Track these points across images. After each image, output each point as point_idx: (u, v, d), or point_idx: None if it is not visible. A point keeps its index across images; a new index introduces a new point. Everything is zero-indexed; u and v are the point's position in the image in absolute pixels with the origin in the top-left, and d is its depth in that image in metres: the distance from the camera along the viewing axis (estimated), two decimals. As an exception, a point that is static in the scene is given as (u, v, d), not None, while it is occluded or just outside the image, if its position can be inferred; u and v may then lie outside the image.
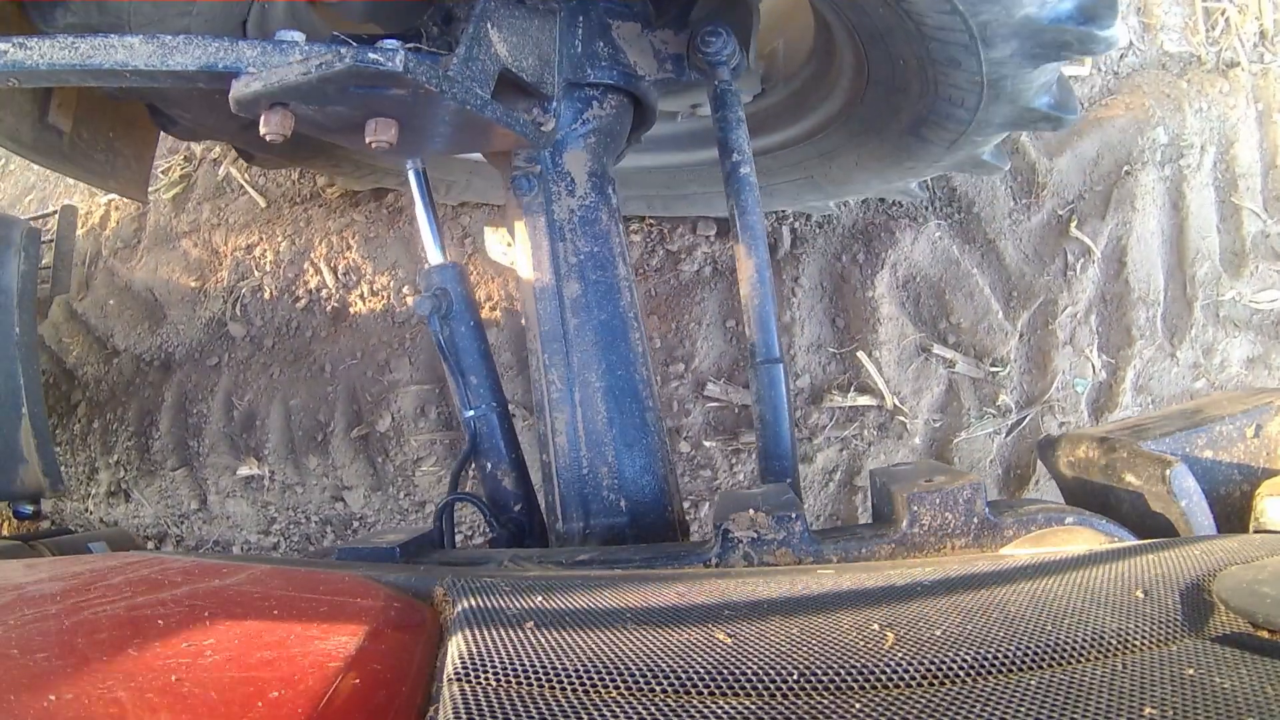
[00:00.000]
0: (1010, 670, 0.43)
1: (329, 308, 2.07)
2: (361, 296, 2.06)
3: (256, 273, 2.14)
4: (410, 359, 1.99)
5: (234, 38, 0.88)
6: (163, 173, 2.31)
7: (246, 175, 2.24)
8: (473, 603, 0.55)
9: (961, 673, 0.43)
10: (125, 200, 2.28)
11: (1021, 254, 2.05)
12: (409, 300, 2.01)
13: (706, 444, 1.93)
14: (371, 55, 0.78)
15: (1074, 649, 0.45)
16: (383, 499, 2.02)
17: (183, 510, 2.15)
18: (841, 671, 0.44)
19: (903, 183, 1.65)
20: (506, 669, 0.45)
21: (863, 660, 0.45)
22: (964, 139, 1.27)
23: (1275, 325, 2.11)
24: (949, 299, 1.99)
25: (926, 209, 2.02)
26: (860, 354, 1.91)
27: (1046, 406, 2.01)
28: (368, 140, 0.87)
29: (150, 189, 2.21)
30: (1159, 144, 2.06)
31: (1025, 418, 1.99)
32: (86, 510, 2.25)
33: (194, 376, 2.14)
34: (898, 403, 1.93)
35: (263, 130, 0.85)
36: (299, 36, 0.86)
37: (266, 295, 2.12)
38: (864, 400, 1.92)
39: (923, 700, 0.41)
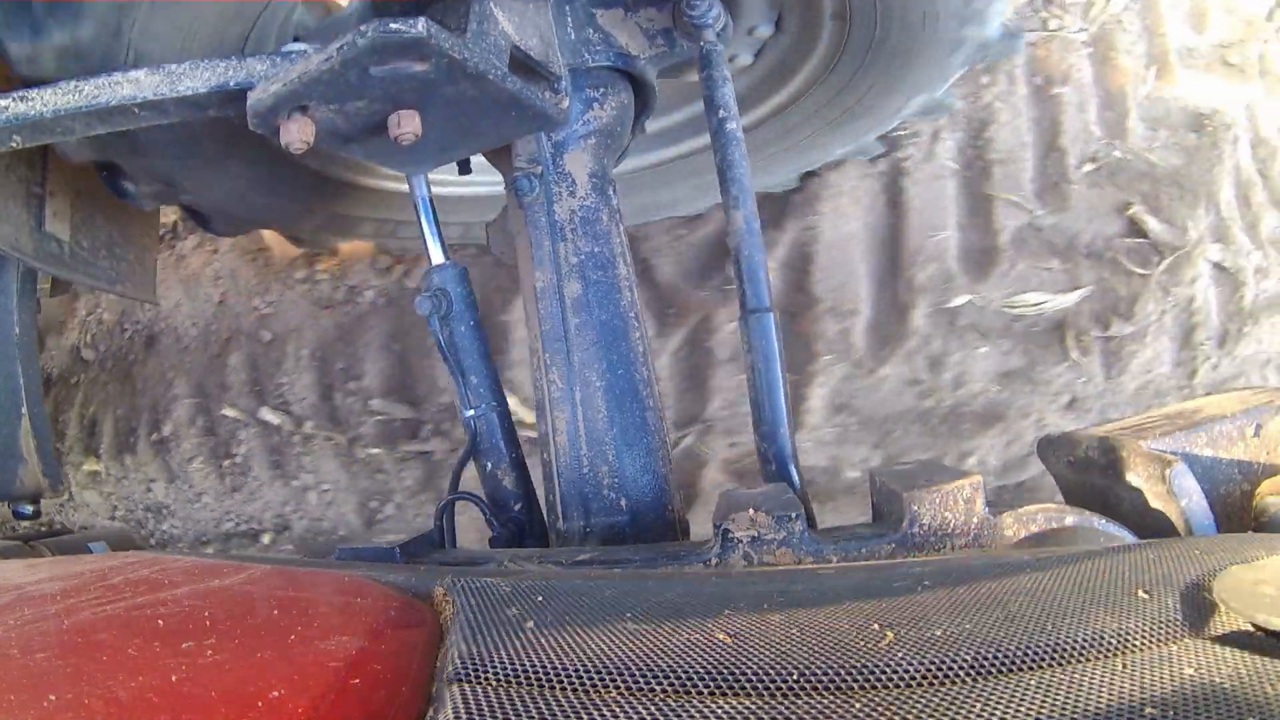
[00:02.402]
0: (1010, 670, 0.43)
1: (143, 337, 2.38)
2: (161, 329, 2.37)
3: (101, 308, 2.46)
4: (188, 377, 2.26)
5: (241, 55, 0.87)
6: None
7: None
8: (473, 603, 0.55)
9: (961, 673, 0.43)
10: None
11: (682, 269, 1.94)
12: (192, 329, 2.30)
13: (374, 450, 2.06)
14: (394, 25, 0.77)
15: (1074, 649, 0.45)
16: (175, 490, 2.28)
17: (59, 500, 2.45)
18: (841, 671, 0.44)
19: (868, 138, 1.71)
20: (507, 669, 0.45)
21: (863, 660, 0.45)
22: (931, 78, 1.35)
23: (1044, 333, 1.90)
24: None
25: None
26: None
27: (707, 426, 1.92)
28: (393, 134, 0.86)
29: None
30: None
31: (685, 436, 1.92)
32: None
33: (61, 392, 2.45)
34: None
35: (284, 140, 0.83)
36: (305, 46, 0.86)
37: (107, 328, 2.45)
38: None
39: (923, 700, 0.41)
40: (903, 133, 1.90)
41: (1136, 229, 1.96)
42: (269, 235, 2.14)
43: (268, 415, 2.08)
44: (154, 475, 2.26)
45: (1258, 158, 2.15)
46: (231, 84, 0.85)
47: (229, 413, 2.12)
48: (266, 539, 2.19)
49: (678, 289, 1.96)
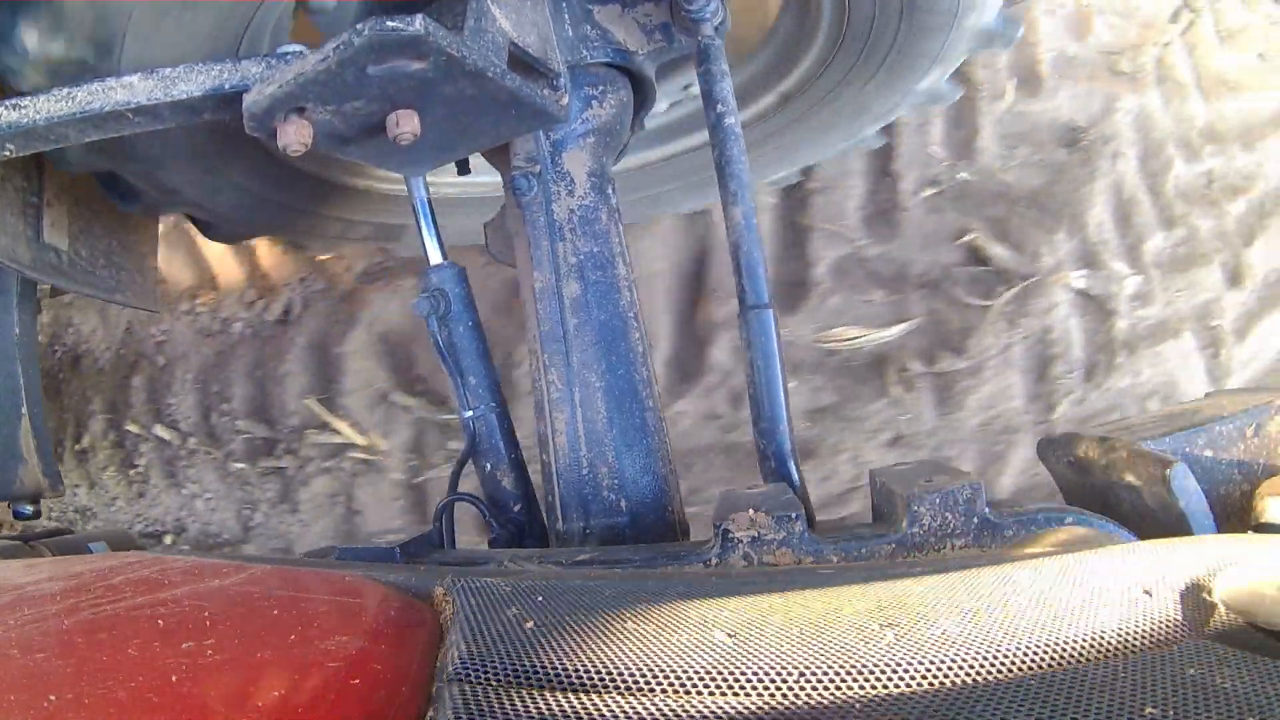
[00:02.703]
0: (1010, 670, 0.43)
1: (70, 357, 2.50)
2: (83, 351, 2.48)
3: (70, 331, 2.57)
4: (102, 395, 2.41)
5: (235, 57, 0.86)
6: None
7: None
8: (473, 603, 0.55)
9: (961, 672, 0.43)
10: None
11: (491, 305, 2.04)
12: (106, 352, 2.41)
13: (241, 465, 2.28)
14: (390, 23, 0.76)
15: (1074, 649, 0.45)
16: (95, 495, 2.43)
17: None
18: (841, 670, 0.44)
19: (870, 130, 1.68)
20: (507, 669, 0.45)
21: (863, 659, 0.45)
22: (933, 66, 1.34)
23: (862, 368, 1.88)
24: (415, 351, 2.12)
25: (403, 270, 2.16)
26: (309, 401, 2.13)
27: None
28: (391, 135, 0.85)
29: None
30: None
31: None
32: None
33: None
34: (372, 441, 2.16)
35: (281, 143, 0.83)
36: (300, 47, 0.85)
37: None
38: (341, 438, 2.10)
39: (923, 700, 0.41)
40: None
41: (978, 257, 1.92)
42: (164, 269, 2.28)
43: (161, 431, 2.30)
44: (78, 481, 2.44)
45: (1148, 172, 2.10)
46: (226, 87, 0.84)
47: (131, 428, 2.33)
48: (168, 539, 2.39)
49: (487, 324, 2.03)
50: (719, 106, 1.07)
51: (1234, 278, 2.12)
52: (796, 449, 0.97)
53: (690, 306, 1.95)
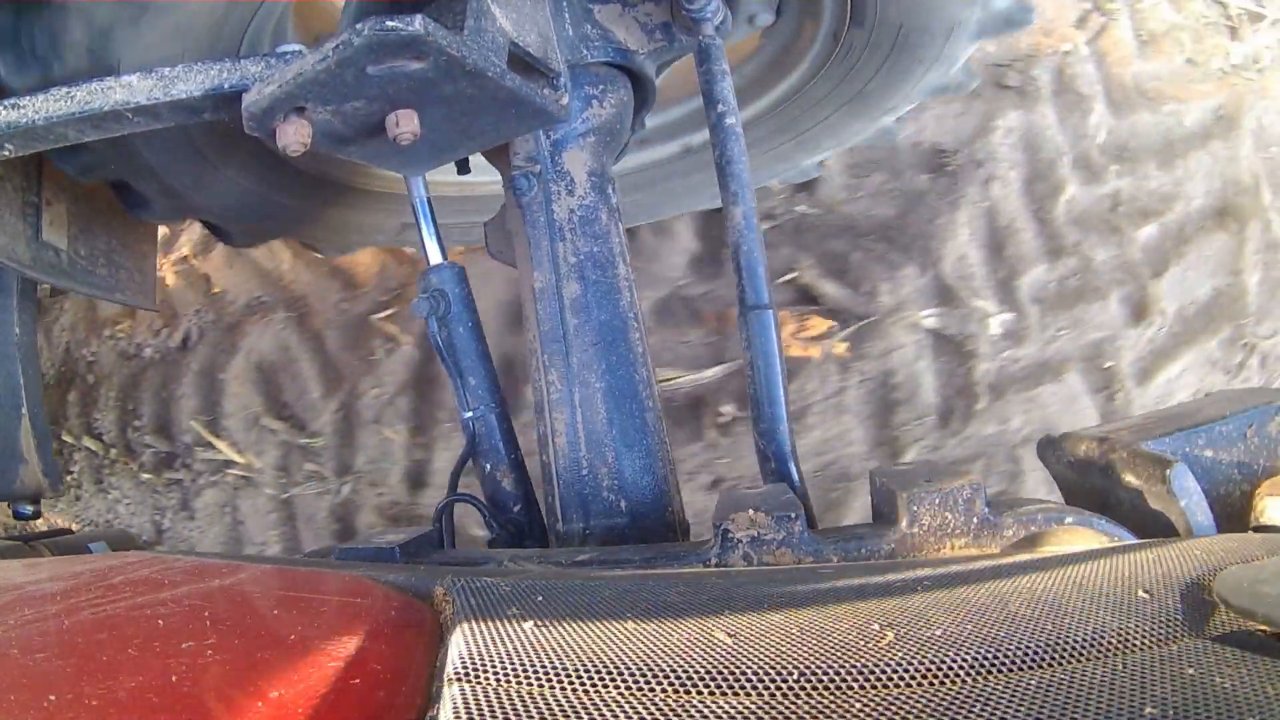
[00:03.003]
0: (1010, 670, 0.43)
1: None
2: None
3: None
4: (46, 407, 2.80)
5: (235, 57, 0.86)
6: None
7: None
8: (473, 602, 0.55)
9: (961, 672, 0.43)
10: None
11: (342, 341, 2.23)
12: (50, 369, 2.52)
13: (149, 476, 2.46)
14: (390, 23, 0.76)
15: (1074, 649, 0.45)
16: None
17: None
18: (841, 671, 0.44)
19: (887, 119, 1.65)
20: (507, 669, 0.45)
21: (863, 659, 0.45)
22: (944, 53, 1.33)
23: (679, 409, 1.91)
24: (283, 380, 2.29)
25: (278, 304, 2.32)
26: (195, 422, 2.34)
27: (359, 476, 2.20)
28: (391, 135, 0.85)
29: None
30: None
31: (345, 485, 2.20)
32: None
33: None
34: (249, 460, 2.32)
35: (280, 143, 0.82)
36: (300, 47, 0.85)
37: None
38: (224, 456, 2.32)
39: (923, 700, 0.41)
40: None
41: (807, 296, 1.85)
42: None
43: (89, 442, 2.46)
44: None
45: (1032, 197, 1.96)
46: (226, 86, 0.83)
47: (67, 438, 2.49)
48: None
49: (340, 355, 2.26)
50: (719, 106, 1.07)
51: (1137, 312, 1.98)
52: (796, 450, 0.98)
53: (515, 344, 1.98)
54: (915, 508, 0.75)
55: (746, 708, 0.41)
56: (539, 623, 0.51)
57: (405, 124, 0.85)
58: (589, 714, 0.41)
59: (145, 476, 2.39)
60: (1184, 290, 2.04)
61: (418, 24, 0.76)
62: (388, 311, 2.13)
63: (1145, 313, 1.99)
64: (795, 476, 0.94)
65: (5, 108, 0.83)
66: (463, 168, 1.30)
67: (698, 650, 0.46)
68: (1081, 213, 2.01)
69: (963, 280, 1.91)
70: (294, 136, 0.82)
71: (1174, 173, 2.07)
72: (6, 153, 0.87)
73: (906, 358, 1.85)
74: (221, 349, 2.34)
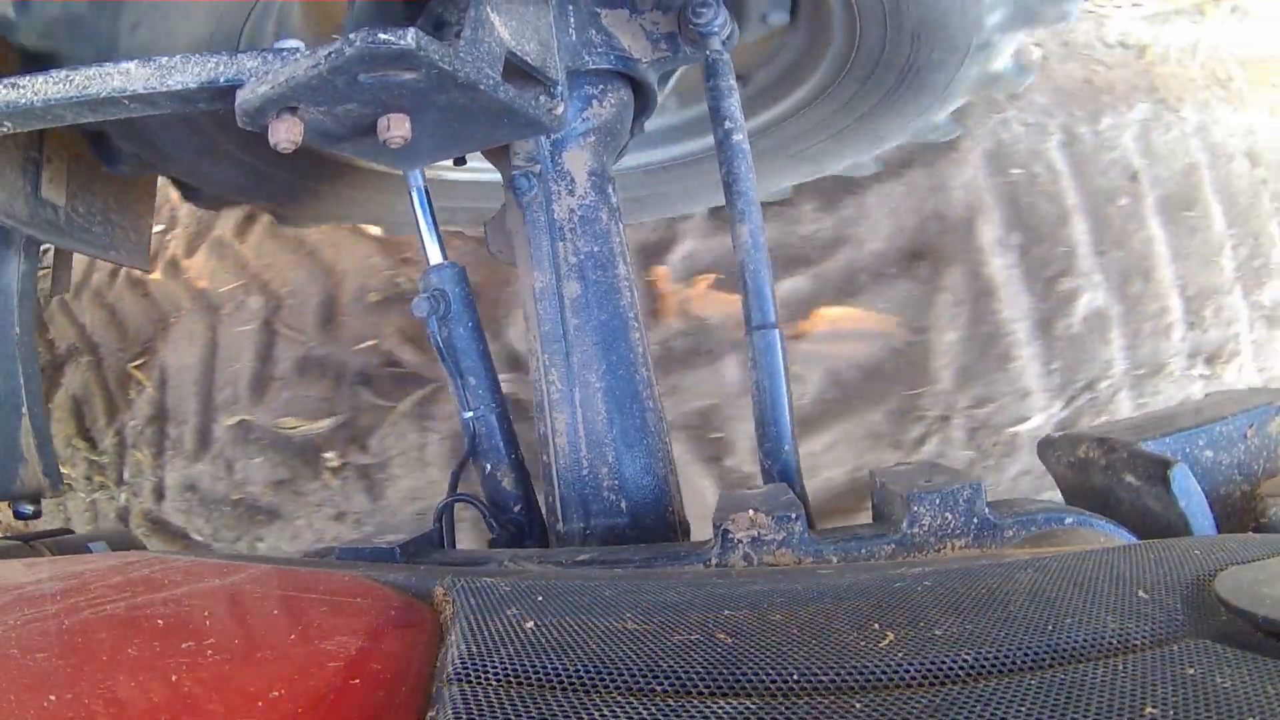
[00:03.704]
0: (1010, 670, 0.43)
1: None
2: None
3: None
4: None
5: (232, 51, 0.86)
6: None
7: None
8: (473, 603, 0.55)
9: (961, 673, 0.43)
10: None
11: (116, 383, 2.63)
12: None
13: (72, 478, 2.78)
14: (382, 36, 0.76)
15: (1074, 649, 0.45)
16: None
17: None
18: (841, 672, 0.44)
19: (939, 114, 1.62)
20: (506, 669, 0.45)
21: (863, 660, 0.45)
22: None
23: (306, 452, 2.28)
24: (84, 409, 2.65)
25: (84, 350, 2.71)
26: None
27: (128, 487, 2.57)
28: (382, 138, 0.85)
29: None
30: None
31: (121, 492, 2.57)
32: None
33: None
34: (68, 470, 2.64)
35: (272, 140, 0.83)
36: (298, 43, 0.85)
37: None
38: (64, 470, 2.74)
39: (923, 700, 0.41)
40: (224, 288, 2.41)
41: (391, 361, 2.18)
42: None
43: None
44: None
45: (644, 252, 2.04)
46: (221, 80, 0.84)
47: None
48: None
49: (117, 392, 2.67)
50: (726, 123, 1.07)
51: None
52: (800, 468, 0.97)
53: (208, 391, 2.49)
54: (915, 508, 0.75)
55: (746, 709, 0.41)
56: (539, 623, 0.51)
57: (396, 128, 0.85)
58: (588, 715, 0.41)
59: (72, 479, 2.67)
60: (830, 351, 1.95)
61: (410, 38, 0.76)
62: (138, 361, 2.58)
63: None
64: (800, 493, 0.94)
65: (5, 87, 0.85)
66: (459, 160, 1.30)
67: (698, 651, 0.46)
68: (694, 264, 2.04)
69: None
70: (286, 134, 0.83)
71: (839, 212, 1.98)
72: (5, 129, 0.88)
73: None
74: (51, 383, 2.80)
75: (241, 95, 0.83)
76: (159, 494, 2.52)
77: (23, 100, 0.85)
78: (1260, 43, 2.09)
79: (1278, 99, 2.07)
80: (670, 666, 0.45)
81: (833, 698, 0.42)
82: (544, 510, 1.14)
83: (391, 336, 2.16)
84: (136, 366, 2.56)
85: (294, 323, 2.31)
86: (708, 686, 0.43)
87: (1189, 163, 1.99)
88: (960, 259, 1.96)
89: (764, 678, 0.44)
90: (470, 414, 1.14)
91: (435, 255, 1.18)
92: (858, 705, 0.41)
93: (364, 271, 2.24)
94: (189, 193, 1.57)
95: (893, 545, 0.76)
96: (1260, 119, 2.05)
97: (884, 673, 0.44)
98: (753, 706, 0.41)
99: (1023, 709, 0.39)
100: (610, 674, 0.45)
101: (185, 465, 2.46)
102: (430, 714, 0.44)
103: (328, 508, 2.23)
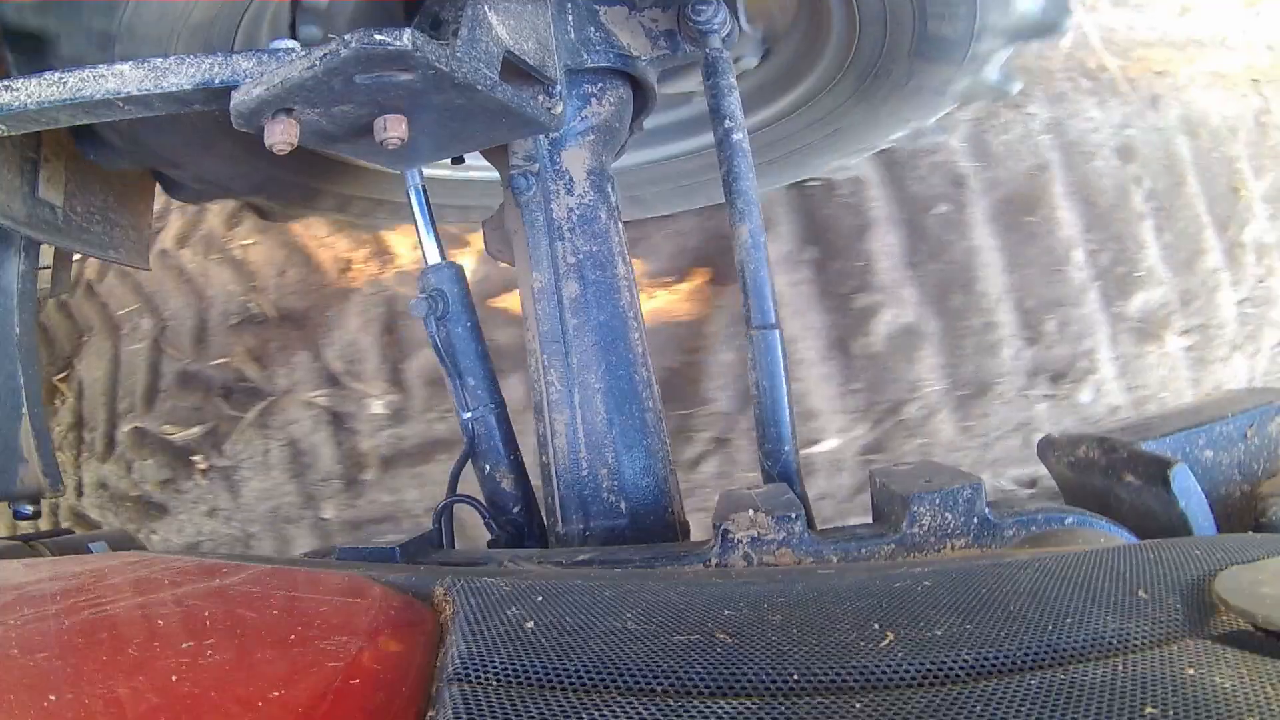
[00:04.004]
0: (1010, 670, 0.43)
1: None
2: None
3: None
4: None
5: (227, 52, 0.86)
6: None
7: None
8: (473, 603, 0.55)
9: (961, 673, 0.43)
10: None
11: (45, 395, 2.72)
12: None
13: None
14: (378, 36, 0.76)
15: (1074, 649, 0.45)
16: None
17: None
18: (841, 672, 0.44)
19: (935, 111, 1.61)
20: (506, 669, 0.45)
21: (863, 660, 0.45)
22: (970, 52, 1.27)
23: (184, 453, 2.44)
24: None
25: None
26: None
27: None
28: (378, 139, 0.85)
29: None
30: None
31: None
32: None
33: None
34: None
35: (268, 141, 0.83)
36: (293, 44, 0.85)
37: None
38: None
39: (923, 700, 0.41)
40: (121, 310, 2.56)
41: (242, 375, 2.40)
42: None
43: None
44: None
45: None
46: (216, 81, 0.84)
47: None
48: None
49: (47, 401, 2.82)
50: (726, 122, 1.07)
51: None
52: (801, 467, 0.97)
53: (117, 400, 2.61)
54: (915, 508, 0.75)
55: (746, 709, 0.41)
56: (539, 623, 0.51)
57: (393, 129, 0.85)
58: (588, 715, 0.41)
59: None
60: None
61: (406, 38, 0.76)
62: (62, 374, 2.69)
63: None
64: (800, 492, 0.94)
65: (0, 89, 0.84)
66: (457, 159, 1.30)
67: (698, 651, 0.46)
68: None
69: (350, 366, 2.27)
70: (281, 135, 0.82)
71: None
72: (0, 131, 0.88)
73: (305, 429, 2.30)
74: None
75: (236, 97, 0.82)
76: (79, 491, 2.67)
77: (16, 103, 0.85)
78: (1149, 31, 1.99)
79: (1162, 90, 1.96)
80: (670, 666, 0.45)
81: (833, 698, 0.42)
82: (543, 511, 1.13)
83: (240, 354, 2.41)
84: (60, 379, 2.72)
85: (174, 341, 2.54)
86: (708, 686, 0.43)
87: (1035, 163, 1.89)
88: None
89: (764, 678, 0.44)
90: (469, 414, 1.14)
91: (433, 255, 1.17)
92: (858, 705, 0.41)
93: (224, 297, 2.47)
94: (169, 186, 1.53)
95: (893, 545, 0.76)
96: (1138, 111, 1.93)
97: (884, 673, 0.44)
98: (753, 706, 0.41)
99: (1023, 709, 0.39)
100: (610, 674, 0.45)
101: (97, 466, 2.62)
102: (430, 714, 0.44)
103: (201, 505, 2.43)
